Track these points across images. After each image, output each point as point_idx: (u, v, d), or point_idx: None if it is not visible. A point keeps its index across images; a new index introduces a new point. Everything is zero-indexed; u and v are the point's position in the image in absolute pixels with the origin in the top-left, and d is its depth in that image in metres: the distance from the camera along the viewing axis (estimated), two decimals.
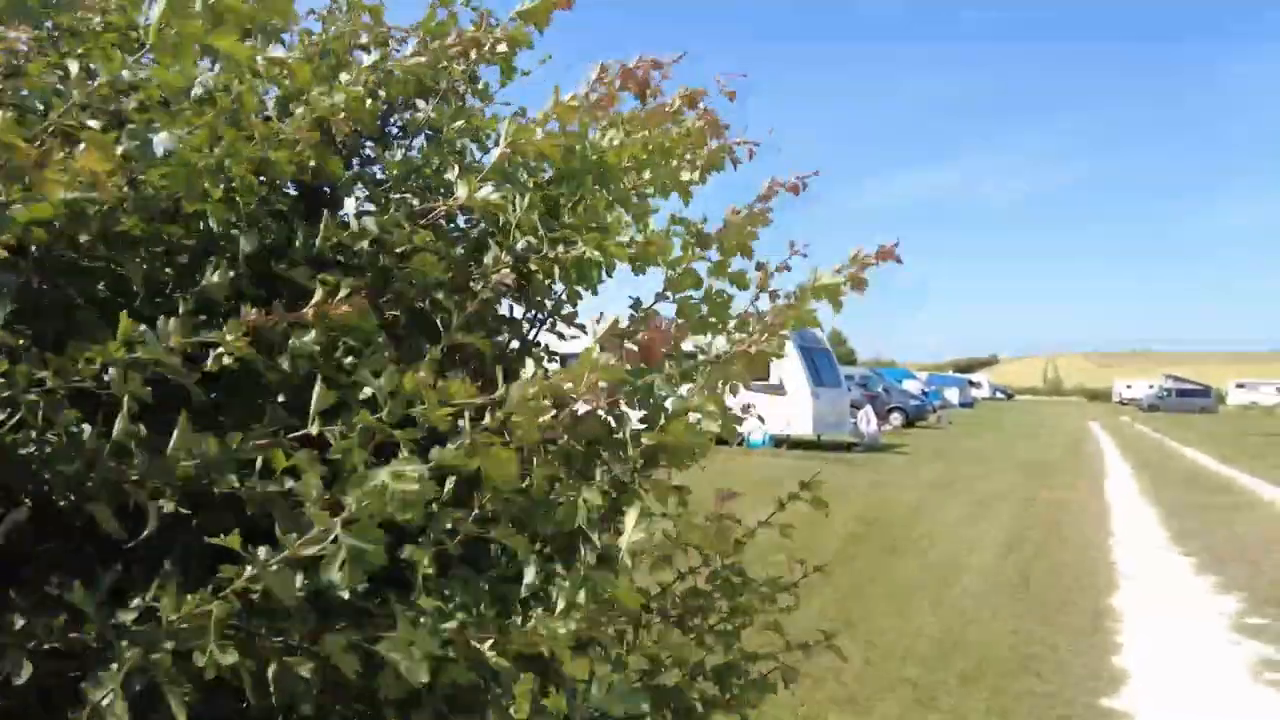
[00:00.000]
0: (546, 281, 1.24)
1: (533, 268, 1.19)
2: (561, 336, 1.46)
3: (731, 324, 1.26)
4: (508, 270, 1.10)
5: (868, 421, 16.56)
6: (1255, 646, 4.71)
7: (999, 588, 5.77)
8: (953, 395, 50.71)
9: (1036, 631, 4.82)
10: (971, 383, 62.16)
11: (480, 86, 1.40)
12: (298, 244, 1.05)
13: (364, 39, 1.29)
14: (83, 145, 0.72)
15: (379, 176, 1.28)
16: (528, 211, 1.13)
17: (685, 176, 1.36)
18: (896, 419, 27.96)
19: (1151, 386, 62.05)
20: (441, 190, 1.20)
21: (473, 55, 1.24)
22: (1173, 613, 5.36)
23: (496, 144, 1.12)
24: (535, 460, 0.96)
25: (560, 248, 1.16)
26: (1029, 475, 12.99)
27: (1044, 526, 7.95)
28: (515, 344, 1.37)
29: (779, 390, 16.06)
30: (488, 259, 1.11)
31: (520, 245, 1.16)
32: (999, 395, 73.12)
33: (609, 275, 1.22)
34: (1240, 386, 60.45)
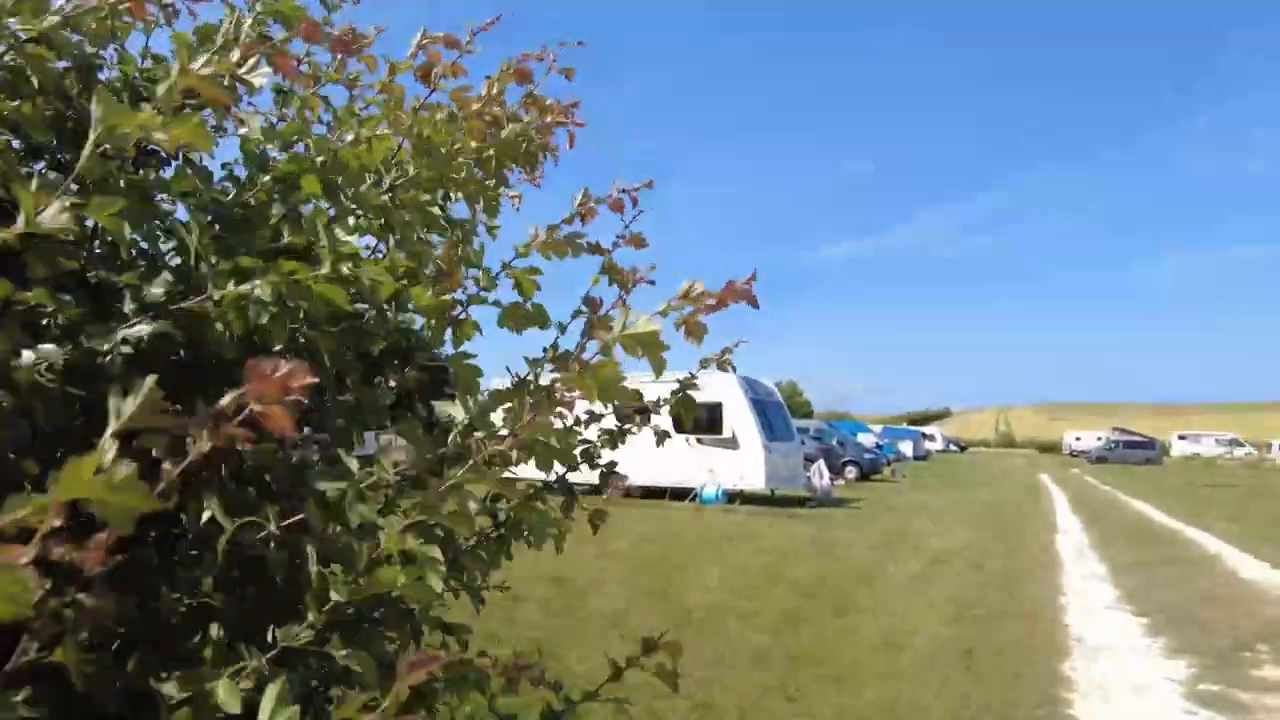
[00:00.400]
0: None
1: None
2: None
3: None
4: None
5: (821, 475, 16.37)
6: (1208, 717, 4.48)
7: (948, 654, 5.48)
8: (907, 448, 51.16)
9: (987, 702, 4.53)
10: (925, 435, 62.86)
11: None
12: None
13: None
14: None
15: None
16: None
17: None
18: (851, 472, 27.95)
19: (1100, 439, 63.41)
20: None
21: None
22: (1126, 680, 5.11)
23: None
24: None
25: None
26: (981, 530, 12.85)
27: (995, 586, 7.72)
28: None
29: (731, 444, 15.83)
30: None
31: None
32: (952, 448, 74.06)
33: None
34: (1183, 438, 62.08)
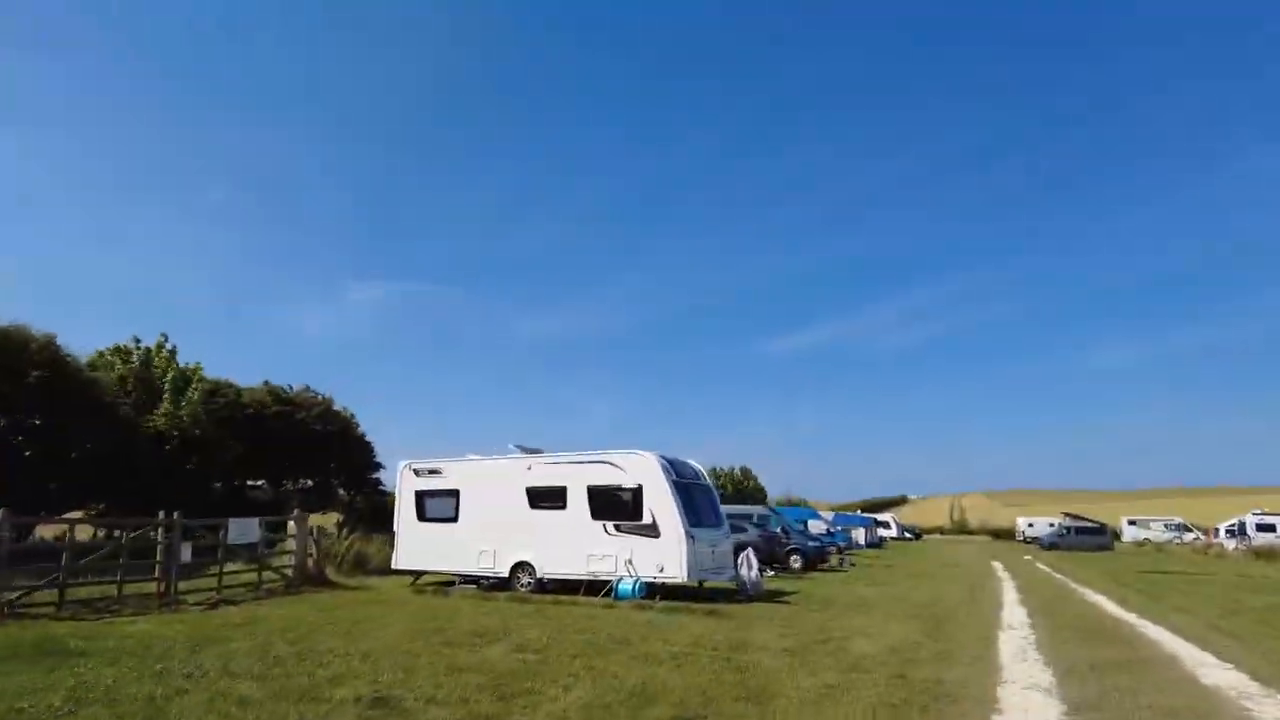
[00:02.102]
0: None
1: None
2: None
3: None
4: None
5: (749, 566, 14.91)
6: None
7: None
8: (859, 535, 49.87)
9: None
10: (879, 522, 61.65)
11: None
12: None
13: None
14: None
15: None
16: None
17: None
18: (796, 561, 26.47)
19: (1052, 524, 62.94)
20: None
21: None
22: None
23: None
24: None
25: None
26: (919, 625, 11.51)
27: (918, 706, 6.35)
28: None
29: (651, 531, 14.37)
30: None
31: None
32: (907, 535, 72.88)
33: None
34: (1132, 523, 61.89)
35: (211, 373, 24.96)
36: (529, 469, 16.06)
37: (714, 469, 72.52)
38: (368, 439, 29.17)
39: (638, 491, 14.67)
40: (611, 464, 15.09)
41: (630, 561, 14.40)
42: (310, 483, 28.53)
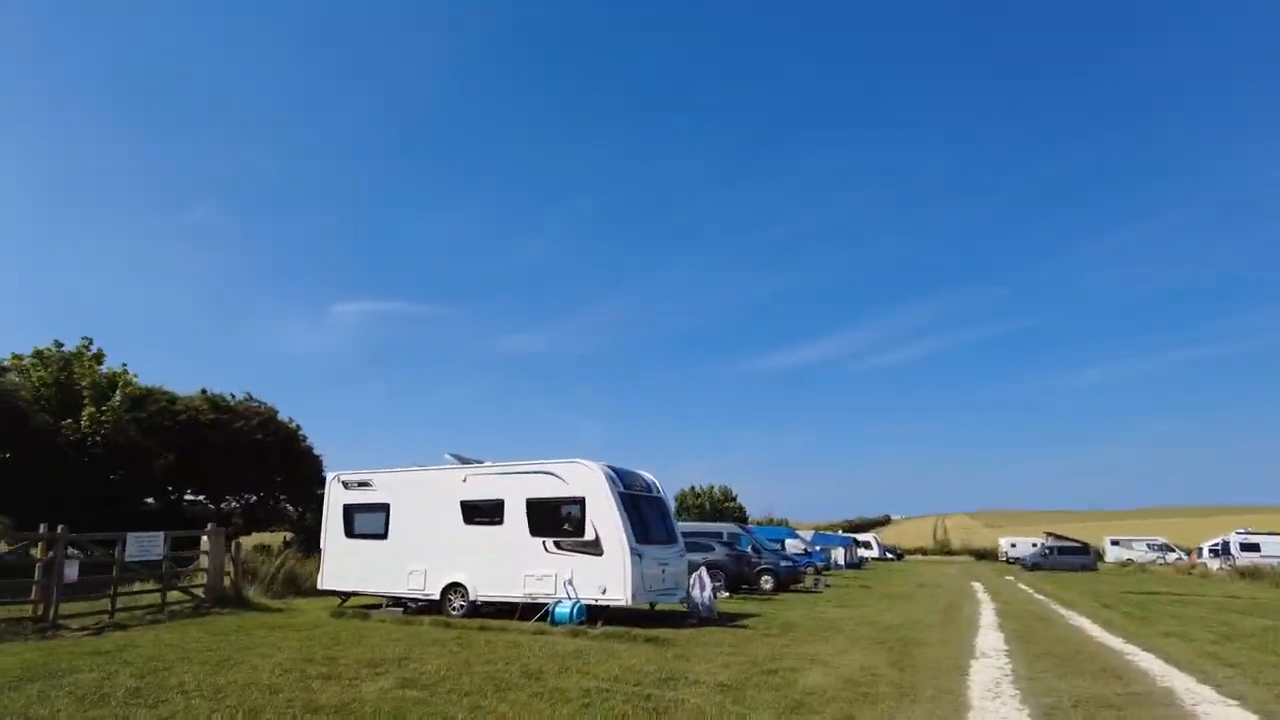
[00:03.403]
0: None
1: None
2: None
3: None
4: None
5: (701, 587, 13.56)
6: None
7: None
8: (839, 555, 48.60)
9: None
10: (858, 542, 60.39)
11: None
12: None
13: None
14: None
15: None
16: None
17: None
18: (767, 582, 25.13)
19: (1035, 545, 61.99)
20: None
21: None
22: None
23: None
24: None
25: None
26: (884, 653, 10.24)
27: None
28: None
29: (593, 549, 13.04)
30: None
31: None
32: (889, 555, 71.63)
33: None
34: (1115, 544, 60.98)
35: (165, 382, 23.56)
36: (464, 481, 14.68)
37: (693, 488, 71.17)
38: (315, 452, 27.62)
39: (580, 505, 13.34)
40: (552, 475, 13.76)
41: (570, 582, 13.03)
42: (254, 498, 26.90)
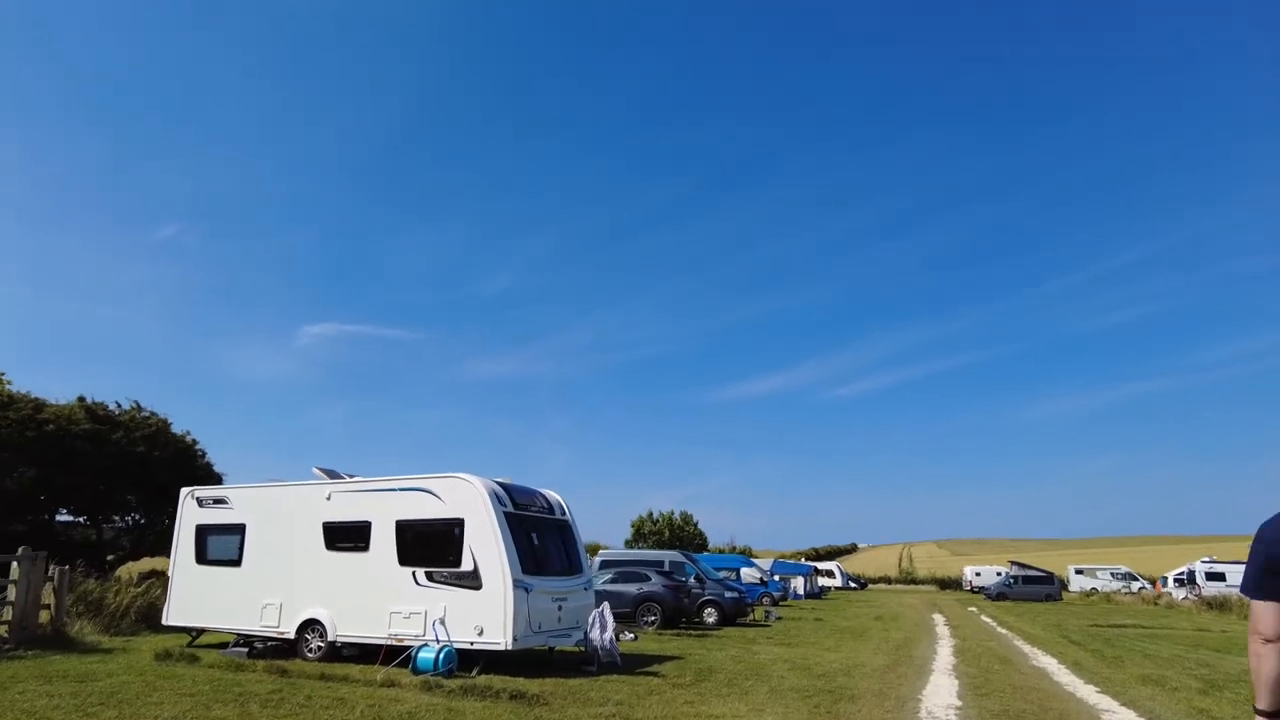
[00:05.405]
0: None
1: None
2: None
3: None
4: None
5: (601, 628, 11.34)
6: None
7: None
8: (799, 585, 46.58)
9: None
10: (819, 570, 58.46)
11: None
12: None
13: None
14: None
15: None
16: None
17: None
18: (712, 615, 22.96)
19: (999, 574, 60.51)
20: None
21: None
22: None
23: None
24: None
25: None
26: (805, 711, 8.16)
27: None
28: None
29: (471, 581, 10.82)
30: None
31: None
32: (852, 585, 69.75)
33: None
34: (1079, 572, 59.70)
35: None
36: (327, 499, 12.37)
37: (650, 513, 68.69)
38: (217, 470, 24.96)
39: (458, 527, 11.12)
40: (428, 492, 11.53)
41: (442, 621, 10.77)
42: (143, 519, 24.12)
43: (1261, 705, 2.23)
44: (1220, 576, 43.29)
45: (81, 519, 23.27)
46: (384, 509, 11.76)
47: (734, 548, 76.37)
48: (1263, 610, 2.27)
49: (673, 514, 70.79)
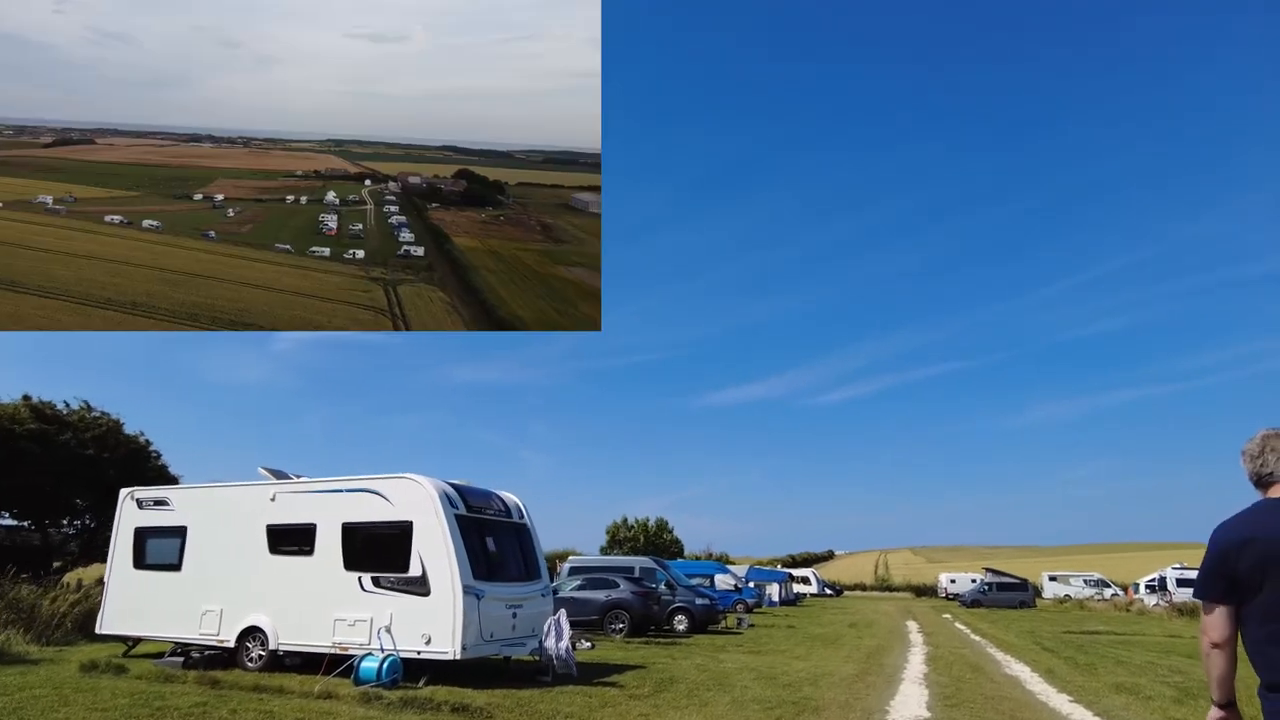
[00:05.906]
0: None
1: None
2: None
3: None
4: None
5: (556, 636, 10.82)
6: None
7: None
8: (774, 592, 46.26)
9: None
10: (795, 578, 58.20)
11: None
12: None
13: None
14: None
15: None
16: None
17: None
18: (682, 623, 22.48)
19: (974, 580, 60.56)
20: None
21: None
22: None
23: None
24: None
25: None
26: None
27: None
28: None
29: (418, 587, 10.26)
30: None
31: None
32: (827, 591, 69.51)
33: None
34: (1053, 579, 59.92)
35: None
36: (271, 500, 11.76)
37: (625, 519, 68.12)
38: (170, 471, 24.10)
39: (406, 531, 10.57)
40: (375, 494, 10.96)
41: (388, 629, 10.20)
42: (93, 522, 23.22)
43: (1216, 698, 2.61)
44: (1191, 583, 43.58)
45: (26, 523, 22.32)
46: (330, 511, 11.17)
47: (710, 554, 75.91)
48: (1212, 615, 2.46)
49: (648, 521, 70.29)
